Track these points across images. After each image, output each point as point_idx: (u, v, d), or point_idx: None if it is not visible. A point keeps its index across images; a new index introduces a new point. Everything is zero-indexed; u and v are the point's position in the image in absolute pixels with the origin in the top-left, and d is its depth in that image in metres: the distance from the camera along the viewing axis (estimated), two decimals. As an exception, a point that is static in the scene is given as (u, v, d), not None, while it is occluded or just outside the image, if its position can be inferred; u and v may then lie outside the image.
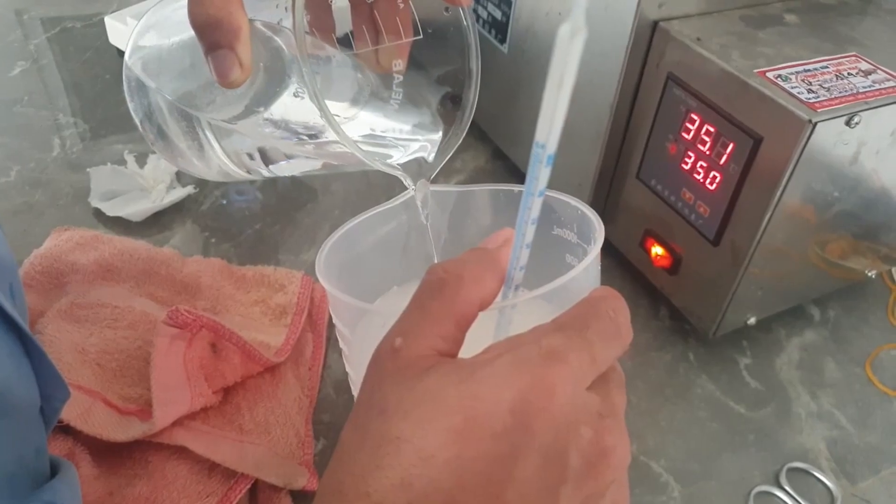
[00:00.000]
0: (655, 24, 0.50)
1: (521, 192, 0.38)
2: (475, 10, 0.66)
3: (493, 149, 0.72)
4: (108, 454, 0.42)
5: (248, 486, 0.41)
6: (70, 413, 0.41)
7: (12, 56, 0.79)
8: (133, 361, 0.46)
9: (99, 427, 0.41)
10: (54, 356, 0.43)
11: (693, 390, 0.53)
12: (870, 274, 0.59)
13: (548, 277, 0.36)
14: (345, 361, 0.41)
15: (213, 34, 0.32)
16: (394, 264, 0.45)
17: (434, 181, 0.40)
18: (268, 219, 0.62)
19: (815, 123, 0.41)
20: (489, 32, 0.65)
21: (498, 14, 0.63)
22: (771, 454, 0.49)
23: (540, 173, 0.24)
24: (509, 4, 0.61)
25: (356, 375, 0.40)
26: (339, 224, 0.63)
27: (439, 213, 0.43)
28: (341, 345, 0.40)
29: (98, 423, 0.41)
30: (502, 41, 0.63)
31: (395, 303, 0.45)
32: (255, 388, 0.46)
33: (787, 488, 0.46)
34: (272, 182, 0.66)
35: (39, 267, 0.51)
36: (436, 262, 0.44)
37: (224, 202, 0.64)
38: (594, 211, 0.38)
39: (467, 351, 0.26)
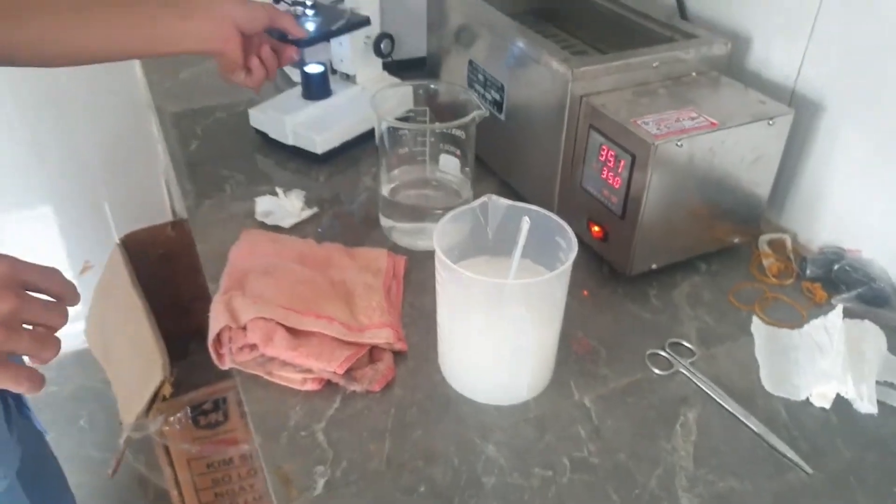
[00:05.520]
0: (581, 98, 0.88)
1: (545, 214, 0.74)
2: (483, 96, 1.06)
3: (499, 181, 1.10)
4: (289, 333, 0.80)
5: (368, 349, 0.79)
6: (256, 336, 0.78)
7: (188, 136, 1.21)
8: (303, 293, 0.84)
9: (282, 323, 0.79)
10: (258, 296, 0.82)
11: (620, 308, 0.89)
12: (735, 241, 0.95)
13: (545, 253, 0.73)
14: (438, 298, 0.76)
15: None
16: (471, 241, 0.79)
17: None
18: (356, 226, 1.01)
19: (657, 145, 0.79)
20: (492, 108, 1.04)
21: (498, 97, 1.02)
22: (661, 337, 0.84)
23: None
24: (503, 91, 1.00)
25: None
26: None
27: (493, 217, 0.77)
28: (437, 285, 0.75)
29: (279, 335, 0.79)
30: (500, 112, 1.02)
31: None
32: (371, 308, 0.84)
33: (667, 350, 0.82)
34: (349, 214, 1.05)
35: (245, 251, 0.90)
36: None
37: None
38: (575, 238, 0.70)
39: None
